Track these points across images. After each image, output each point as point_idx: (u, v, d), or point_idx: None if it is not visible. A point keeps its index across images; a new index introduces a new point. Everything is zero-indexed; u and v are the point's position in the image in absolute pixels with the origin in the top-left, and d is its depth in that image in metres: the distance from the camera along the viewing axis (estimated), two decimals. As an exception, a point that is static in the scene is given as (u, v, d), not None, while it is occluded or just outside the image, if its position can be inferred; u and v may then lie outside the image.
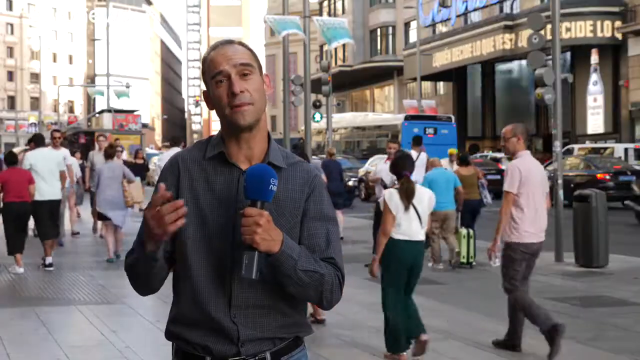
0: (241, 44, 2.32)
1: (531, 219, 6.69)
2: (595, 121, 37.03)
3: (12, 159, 11.38)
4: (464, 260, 12.12)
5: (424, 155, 13.34)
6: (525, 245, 6.69)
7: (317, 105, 22.92)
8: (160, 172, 2.43)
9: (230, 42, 2.31)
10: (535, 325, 6.61)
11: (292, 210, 2.28)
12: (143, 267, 2.25)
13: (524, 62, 36.39)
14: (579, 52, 37.06)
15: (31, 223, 11.77)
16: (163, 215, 2.09)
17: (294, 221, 2.28)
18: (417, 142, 14.18)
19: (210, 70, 2.27)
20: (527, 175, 6.69)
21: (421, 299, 9.28)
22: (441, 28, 48.22)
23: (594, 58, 36.48)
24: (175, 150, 13.26)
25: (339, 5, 61.99)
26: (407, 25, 54.14)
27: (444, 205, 11.75)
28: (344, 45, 58.96)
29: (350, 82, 58.90)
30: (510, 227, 6.72)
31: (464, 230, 12.17)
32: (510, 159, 7.37)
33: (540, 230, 6.79)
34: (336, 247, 2.31)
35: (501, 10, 42.38)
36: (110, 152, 12.91)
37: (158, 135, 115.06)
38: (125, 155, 20.72)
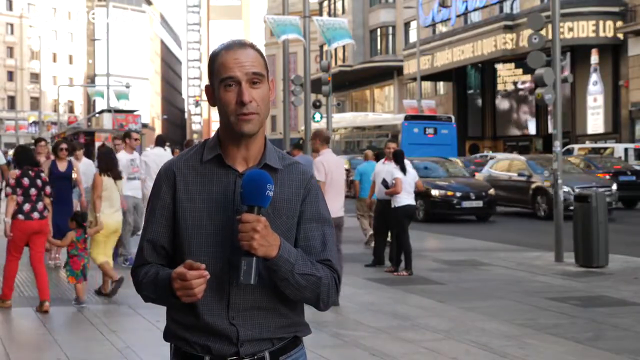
0: (253, 47, 2.30)
1: (332, 199, 8.53)
2: (595, 121, 37.04)
3: None
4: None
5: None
6: None
7: (317, 105, 22.93)
8: (154, 181, 2.42)
9: (243, 44, 2.28)
10: None
11: (289, 212, 2.29)
12: (160, 302, 2.31)
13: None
14: (579, 52, 37.06)
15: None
16: (194, 287, 2.12)
17: (290, 223, 2.29)
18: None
19: (220, 73, 2.25)
20: (329, 166, 8.92)
21: (421, 298, 9.30)
22: (441, 28, 48.22)
23: (594, 58, 36.49)
24: (159, 150, 13.22)
25: (339, 5, 61.99)
26: (407, 25, 54.15)
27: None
28: (344, 45, 58.95)
29: (350, 82, 58.90)
30: None
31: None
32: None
33: (339, 207, 8.96)
34: (332, 249, 2.32)
35: (501, 10, 42.38)
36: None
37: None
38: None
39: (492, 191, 20.61)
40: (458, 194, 20.22)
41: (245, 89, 2.22)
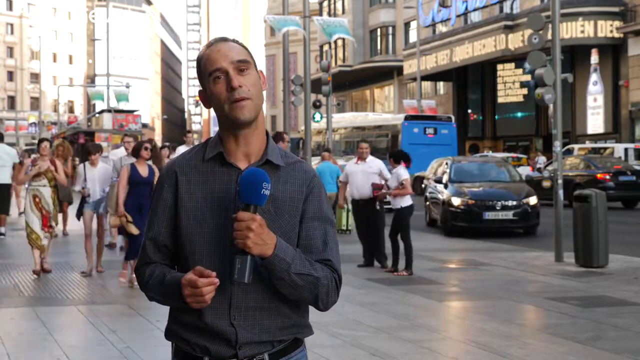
0: (235, 41, 2.33)
1: None
2: (595, 121, 37.05)
3: None
4: (344, 228, 16.49)
5: None
6: None
7: (317, 105, 22.91)
8: (157, 180, 2.44)
9: (224, 39, 2.32)
10: None
11: (291, 210, 2.28)
12: (166, 304, 2.32)
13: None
14: (579, 52, 37.06)
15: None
16: (204, 294, 2.13)
17: (292, 221, 2.28)
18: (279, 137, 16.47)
19: (207, 68, 2.27)
20: None
21: (421, 298, 9.29)
22: (441, 28, 48.22)
23: (594, 58, 36.50)
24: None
25: (339, 5, 62.00)
26: (407, 25, 54.17)
27: (329, 189, 15.38)
28: (344, 45, 58.99)
29: (350, 82, 58.91)
30: None
31: (345, 207, 14.66)
32: None
33: None
34: (333, 249, 2.31)
35: (501, 10, 42.39)
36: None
37: (158, 135, 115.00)
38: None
39: (532, 200, 16.25)
40: (480, 203, 16.04)
41: (234, 75, 2.24)
